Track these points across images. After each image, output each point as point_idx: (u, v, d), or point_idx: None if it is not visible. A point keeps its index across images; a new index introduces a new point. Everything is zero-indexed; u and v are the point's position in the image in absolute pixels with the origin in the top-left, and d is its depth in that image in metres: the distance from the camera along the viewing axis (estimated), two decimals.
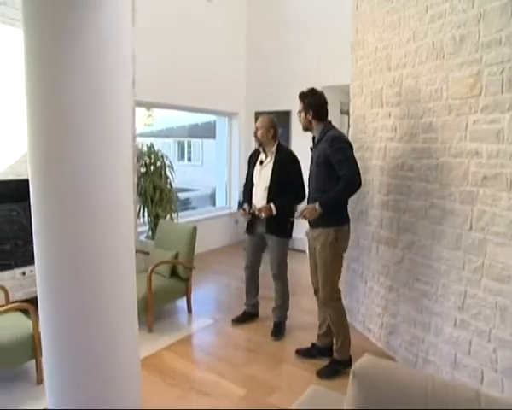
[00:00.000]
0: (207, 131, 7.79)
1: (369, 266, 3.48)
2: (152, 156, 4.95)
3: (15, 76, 3.38)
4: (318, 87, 2.91)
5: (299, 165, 3.44)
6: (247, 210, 3.50)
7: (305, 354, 3.21)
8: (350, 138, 3.72)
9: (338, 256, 2.87)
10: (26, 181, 1.46)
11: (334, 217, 2.81)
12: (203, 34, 5.85)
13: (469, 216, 2.44)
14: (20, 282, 3.82)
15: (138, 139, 5.24)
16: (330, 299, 2.94)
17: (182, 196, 11.58)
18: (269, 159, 3.47)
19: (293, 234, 3.57)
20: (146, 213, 4.95)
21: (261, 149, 3.54)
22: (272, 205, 3.35)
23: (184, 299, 4.03)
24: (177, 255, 3.91)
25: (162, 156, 5.08)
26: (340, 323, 2.98)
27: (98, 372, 1.57)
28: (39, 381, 2.61)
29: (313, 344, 3.25)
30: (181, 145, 18.66)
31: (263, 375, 3.01)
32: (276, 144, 3.49)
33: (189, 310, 4.05)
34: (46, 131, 1.43)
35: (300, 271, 4.83)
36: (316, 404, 1.56)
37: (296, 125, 5.88)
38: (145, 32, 4.78)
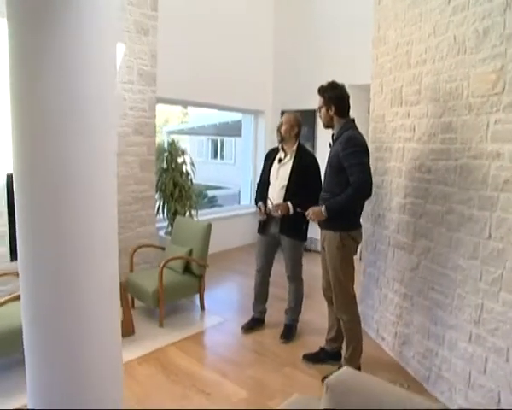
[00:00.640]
0: (236, 129, 7.79)
1: (384, 271, 3.32)
2: (173, 153, 4.98)
3: None
4: (346, 86, 2.74)
5: (319, 168, 3.33)
6: (263, 209, 3.42)
7: (313, 358, 3.12)
8: (369, 139, 3.59)
9: (347, 261, 2.75)
10: None
11: (340, 222, 2.69)
12: (231, 32, 5.84)
13: (488, 223, 2.27)
14: None
15: (173, 136, 5.31)
16: (345, 305, 2.82)
17: (210, 193, 11.75)
18: (288, 157, 3.38)
19: (312, 235, 3.46)
20: (166, 209, 5.00)
21: (280, 147, 3.46)
22: (290, 204, 3.26)
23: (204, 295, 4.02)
24: (191, 252, 3.92)
25: (183, 153, 5.11)
26: (353, 330, 2.86)
27: (77, 373, 1.57)
28: None
29: (321, 348, 3.15)
30: (214, 143, 18.86)
31: (267, 378, 2.94)
32: (297, 143, 3.40)
33: (202, 307, 4.04)
34: (26, 137, 1.44)
35: (317, 273, 4.66)
36: None
37: (321, 125, 5.76)
38: (173, 30, 4.84)
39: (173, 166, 5.00)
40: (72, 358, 1.55)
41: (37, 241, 1.50)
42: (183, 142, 19.65)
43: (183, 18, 5.04)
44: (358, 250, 2.96)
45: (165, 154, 4.99)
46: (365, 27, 4.47)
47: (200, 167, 19.60)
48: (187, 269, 3.93)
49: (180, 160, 5.05)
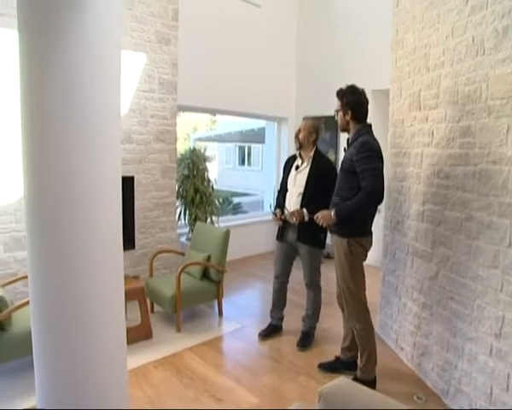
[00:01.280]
0: (262, 136, 7.83)
1: (403, 280, 3.23)
2: (195, 159, 5.05)
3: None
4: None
5: (337, 174, 3.29)
6: (279, 215, 3.42)
7: (329, 368, 3.06)
8: (388, 144, 3.52)
9: (355, 267, 2.70)
10: None
11: (348, 228, 2.65)
12: (253, 39, 5.89)
13: (508, 231, 2.16)
14: None
15: (200, 143, 5.40)
16: (356, 312, 2.77)
17: (235, 200, 11.83)
18: (305, 164, 3.36)
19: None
20: (187, 216, 5.07)
21: (298, 154, 3.45)
22: (305, 211, 3.24)
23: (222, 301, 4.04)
24: (209, 258, 3.95)
25: (205, 160, 5.17)
26: (366, 338, 2.79)
27: (82, 375, 1.61)
28: None
29: (337, 358, 3.09)
30: (242, 150, 19.01)
31: (280, 386, 2.91)
32: (314, 150, 3.38)
33: (220, 313, 4.06)
34: (34, 142, 1.50)
35: None
36: None
37: None
38: (194, 39, 4.94)
39: (195, 172, 5.07)
40: (77, 360, 1.60)
41: (44, 249, 1.55)
42: (212, 149, 19.94)
43: (205, 27, 5.13)
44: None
45: (187, 161, 5.06)
46: (387, 31, 4.41)
47: (228, 174, 19.80)
48: (205, 275, 3.96)
49: (202, 166, 5.11)
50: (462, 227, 2.52)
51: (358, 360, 2.85)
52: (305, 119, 3.49)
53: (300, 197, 3.30)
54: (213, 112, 6.21)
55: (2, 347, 2.69)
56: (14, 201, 3.42)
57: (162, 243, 4.61)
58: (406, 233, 3.18)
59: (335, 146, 6.17)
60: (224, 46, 5.49)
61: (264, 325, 3.71)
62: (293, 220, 3.25)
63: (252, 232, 6.30)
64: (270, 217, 3.57)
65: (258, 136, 11.01)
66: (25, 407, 2.47)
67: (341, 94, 2.73)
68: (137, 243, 4.42)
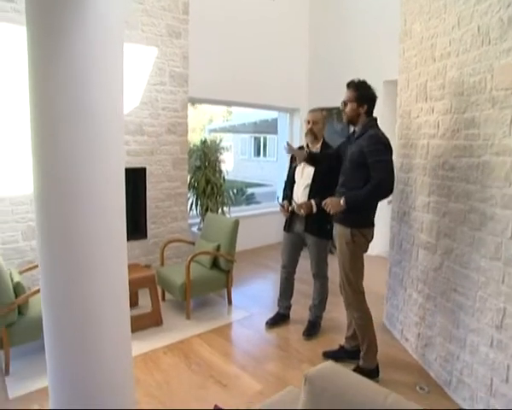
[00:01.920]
0: (275, 127, 7.85)
1: (409, 271, 3.24)
2: (206, 151, 5.12)
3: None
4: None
5: None
6: (286, 207, 3.46)
7: (332, 356, 3.10)
8: (396, 136, 3.51)
9: (356, 257, 2.74)
10: None
11: (352, 217, 2.68)
12: (265, 31, 5.89)
13: (511, 223, 2.15)
14: None
15: (215, 134, 5.47)
16: (355, 301, 2.83)
17: (250, 191, 11.91)
18: None
19: None
20: (199, 206, 5.16)
21: (306, 146, 3.47)
22: (313, 202, 3.27)
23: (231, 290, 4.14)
24: (218, 247, 4.03)
25: (216, 151, 5.24)
26: (365, 327, 2.84)
27: (88, 358, 1.71)
28: None
29: (341, 346, 3.14)
30: (257, 141, 19.01)
31: (284, 373, 2.98)
32: (321, 142, 3.41)
33: (229, 302, 4.15)
34: (41, 137, 1.58)
35: None
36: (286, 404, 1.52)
37: None
38: (205, 32, 4.98)
39: (206, 164, 5.14)
40: (83, 344, 1.69)
41: (51, 240, 1.64)
42: (227, 140, 19.99)
43: (216, 19, 5.17)
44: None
45: (199, 152, 5.14)
46: (397, 22, 4.35)
47: (244, 165, 19.82)
48: (215, 264, 4.05)
49: (213, 158, 5.18)
50: (465, 219, 2.52)
51: (360, 348, 2.89)
52: (312, 111, 3.49)
53: (308, 189, 3.33)
54: (225, 103, 6.26)
55: (20, 329, 2.84)
56: (30, 191, 3.56)
57: (174, 233, 4.72)
58: (412, 224, 3.19)
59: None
60: (236, 38, 5.50)
61: (272, 314, 3.78)
62: (302, 212, 3.29)
63: (264, 223, 6.35)
64: (278, 209, 3.61)
65: (271, 126, 11.02)
66: (39, 387, 2.61)
67: (355, 86, 2.73)
68: (149, 232, 4.54)
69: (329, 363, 1.34)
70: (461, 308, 2.56)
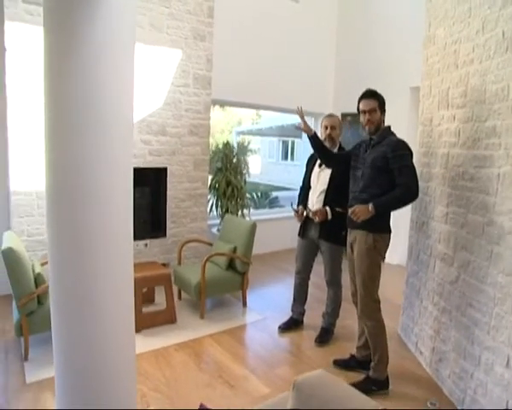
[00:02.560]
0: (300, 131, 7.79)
1: (425, 282, 3.15)
2: (227, 153, 5.17)
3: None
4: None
5: None
6: (301, 212, 3.45)
7: (343, 365, 3.07)
8: (418, 143, 3.43)
9: (375, 264, 2.70)
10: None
11: (374, 222, 2.63)
12: (290, 35, 5.90)
13: None
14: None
15: (244, 136, 5.51)
16: (369, 310, 2.77)
17: (275, 194, 11.88)
18: None
19: None
20: (219, 207, 5.21)
21: None
22: (328, 209, 3.24)
23: (246, 292, 4.16)
24: (235, 249, 4.06)
25: (237, 153, 5.28)
26: (377, 337, 2.78)
27: (92, 352, 1.76)
28: None
29: (352, 356, 3.09)
30: (285, 144, 18.96)
31: (293, 378, 2.95)
32: (337, 147, 3.38)
33: (244, 304, 4.16)
34: (53, 139, 1.64)
35: None
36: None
37: None
38: (230, 35, 5.04)
39: (228, 165, 5.19)
40: (88, 339, 1.75)
41: (61, 240, 1.70)
42: (256, 143, 20.02)
43: (241, 22, 5.22)
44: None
45: (220, 154, 5.19)
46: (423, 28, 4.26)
47: (271, 168, 19.76)
48: (231, 266, 4.08)
49: (234, 160, 5.22)
50: (483, 232, 2.43)
51: (371, 358, 2.83)
52: (330, 116, 3.47)
53: (323, 195, 3.31)
54: (248, 106, 6.28)
55: (39, 319, 2.96)
56: None
57: (193, 233, 4.79)
58: (430, 235, 3.10)
59: None
60: (261, 41, 5.54)
61: (286, 318, 3.77)
62: (316, 219, 3.27)
63: (285, 227, 6.31)
64: (293, 214, 3.58)
65: (298, 130, 10.97)
66: (53, 375, 2.71)
67: (376, 95, 2.76)
68: (169, 231, 4.62)
69: (320, 371, 1.33)
70: (476, 324, 2.47)
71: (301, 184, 3.67)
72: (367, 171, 2.76)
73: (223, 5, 4.75)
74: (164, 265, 4.22)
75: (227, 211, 5.06)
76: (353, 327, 3.65)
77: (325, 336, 3.49)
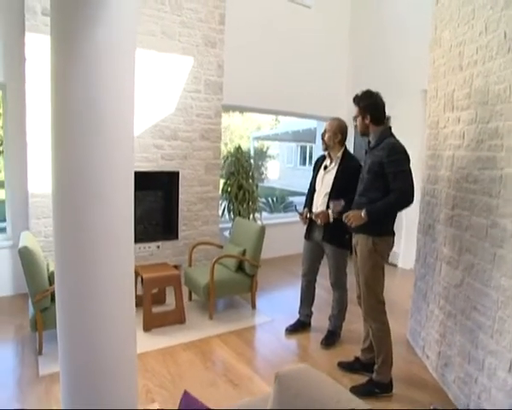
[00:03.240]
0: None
1: (432, 286, 3.12)
2: (239, 157, 5.24)
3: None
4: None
5: None
6: (305, 215, 3.48)
7: (347, 367, 3.07)
8: (424, 146, 3.41)
9: (377, 266, 2.69)
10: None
11: (375, 226, 2.64)
12: (303, 40, 5.95)
13: None
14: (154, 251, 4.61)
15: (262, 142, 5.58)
16: (374, 312, 2.77)
17: (291, 199, 11.91)
18: (333, 164, 3.39)
19: None
20: (232, 211, 5.28)
21: (327, 154, 3.48)
22: (330, 212, 3.26)
23: (255, 294, 4.19)
24: (244, 252, 4.11)
25: (250, 158, 5.34)
26: (382, 339, 2.77)
27: (95, 363, 1.85)
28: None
29: (356, 358, 3.09)
30: (303, 150, 18.97)
31: None
32: (342, 150, 3.40)
33: (253, 306, 4.20)
34: (57, 143, 1.73)
35: None
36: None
37: (395, 131, 5.53)
38: (243, 39, 5.13)
39: (240, 170, 5.26)
40: (90, 337, 1.83)
41: (64, 240, 1.79)
42: (274, 148, 20.04)
43: (253, 28, 5.30)
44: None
45: (232, 158, 5.27)
46: None
47: (290, 173, 19.79)
48: (240, 268, 4.13)
49: (246, 164, 5.29)
50: (487, 234, 2.40)
51: (375, 360, 2.82)
52: (331, 119, 3.50)
53: (327, 197, 3.33)
54: (260, 111, 6.36)
55: (53, 315, 3.05)
56: None
57: (204, 236, 4.87)
58: (436, 238, 3.07)
59: None
60: (272, 46, 5.60)
61: (294, 321, 3.79)
62: (319, 221, 3.29)
63: (297, 230, 6.34)
64: (298, 217, 3.63)
65: (313, 136, 10.99)
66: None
67: (357, 99, 2.78)
68: (181, 234, 4.72)
69: (304, 365, 1.37)
70: (480, 328, 2.43)
71: (308, 186, 3.70)
72: (366, 175, 2.78)
73: (234, 12, 4.84)
74: (176, 267, 4.31)
75: (239, 214, 5.12)
76: (360, 331, 3.61)
77: (331, 339, 3.49)
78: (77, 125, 1.70)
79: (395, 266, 5.70)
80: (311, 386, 1.25)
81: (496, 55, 2.36)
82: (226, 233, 5.37)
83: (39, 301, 2.99)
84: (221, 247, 4.54)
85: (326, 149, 3.42)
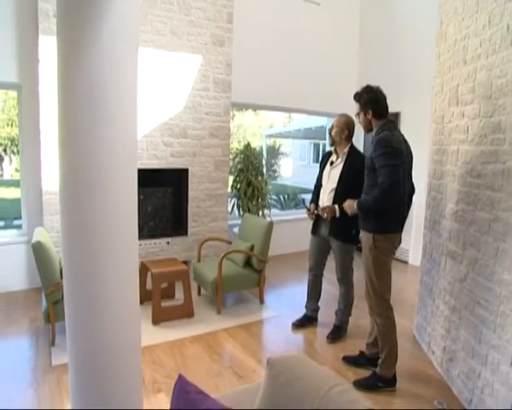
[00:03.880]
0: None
1: (437, 281, 3.11)
2: (248, 154, 5.29)
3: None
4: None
5: None
6: (312, 210, 3.52)
7: (352, 361, 3.10)
8: (431, 141, 3.39)
9: (379, 263, 2.69)
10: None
11: (373, 223, 2.66)
12: (312, 37, 5.95)
13: None
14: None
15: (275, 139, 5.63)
16: (379, 308, 2.79)
17: (302, 196, 11.89)
18: (339, 160, 3.41)
19: None
20: (241, 208, 5.33)
21: (333, 150, 3.50)
22: (336, 207, 3.28)
23: (264, 289, 4.25)
24: (252, 247, 4.16)
25: (258, 155, 5.38)
26: (386, 334, 2.78)
27: (98, 341, 1.91)
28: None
29: (361, 352, 3.11)
30: (316, 147, 18.88)
31: None
32: (348, 146, 3.41)
33: (261, 301, 4.25)
34: (64, 139, 1.81)
35: None
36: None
37: (405, 127, 5.50)
38: (251, 37, 5.17)
39: (249, 166, 5.30)
40: (95, 329, 1.90)
41: (70, 233, 1.86)
42: (287, 145, 19.97)
43: (261, 26, 5.34)
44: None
45: (242, 155, 5.32)
46: None
47: (303, 171, 19.69)
48: (248, 263, 4.18)
49: (255, 161, 5.33)
50: (490, 228, 2.39)
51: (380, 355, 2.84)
52: (339, 115, 3.51)
53: (333, 193, 3.35)
54: (268, 108, 6.38)
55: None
56: None
57: (213, 232, 4.93)
58: (441, 233, 3.06)
59: None
60: (280, 44, 5.62)
61: (301, 316, 3.82)
62: (325, 216, 3.32)
63: (307, 227, 6.37)
64: (305, 212, 3.66)
65: (323, 132, 10.95)
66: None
67: (358, 96, 2.79)
68: (190, 230, 4.79)
69: (297, 353, 1.40)
70: (483, 323, 2.43)
71: (315, 182, 3.73)
72: (365, 171, 2.80)
73: (242, 10, 4.89)
74: (185, 262, 4.39)
75: (248, 211, 5.17)
76: (367, 326, 3.63)
77: (337, 334, 3.51)
78: (81, 123, 1.77)
79: (406, 262, 5.67)
80: (302, 372, 1.29)
81: (499, 48, 2.35)
82: (235, 230, 5.42)
83: (51, 294, 3.10)
84: (230, 243, 4.60)
85: (333, 144, 3.44)
